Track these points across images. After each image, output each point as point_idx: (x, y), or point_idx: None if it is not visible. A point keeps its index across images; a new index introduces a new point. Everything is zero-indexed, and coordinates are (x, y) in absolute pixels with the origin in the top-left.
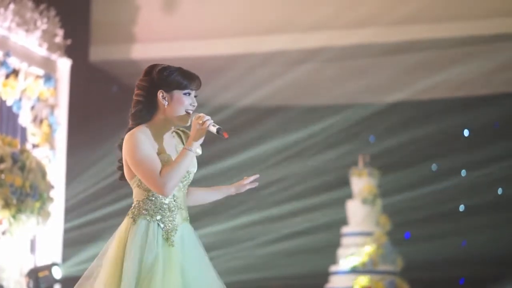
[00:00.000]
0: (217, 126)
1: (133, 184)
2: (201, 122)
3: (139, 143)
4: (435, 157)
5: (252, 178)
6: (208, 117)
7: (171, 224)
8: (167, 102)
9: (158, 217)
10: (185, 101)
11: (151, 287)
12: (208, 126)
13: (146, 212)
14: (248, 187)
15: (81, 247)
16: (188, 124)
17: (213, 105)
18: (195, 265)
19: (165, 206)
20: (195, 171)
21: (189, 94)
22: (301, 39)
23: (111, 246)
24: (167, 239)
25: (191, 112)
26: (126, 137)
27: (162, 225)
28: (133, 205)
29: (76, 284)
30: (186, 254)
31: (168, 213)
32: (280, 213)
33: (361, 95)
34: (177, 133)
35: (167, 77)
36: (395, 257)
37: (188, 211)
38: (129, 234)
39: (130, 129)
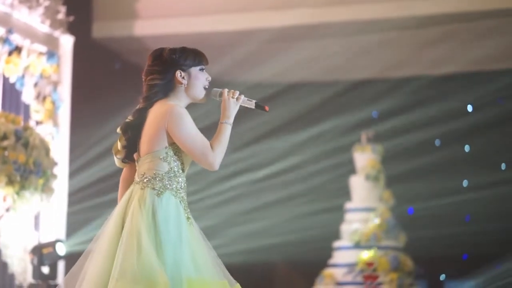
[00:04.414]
0: (254, 100)
1: (156, 156)
2: (235, 97)
3: (187, 118)
4: (438, 132)
5: None
6: (238, 92)
7: (186, 203)
8: (186, 81)
9: (179, 194)
10: (202, 77)
11: (196, 266)
12: (243, 101)
13: (170, 187)
14: None
15: (85, 224)
16: (205, 100)
17: (216, 82)
18: (201, 245)
19: (182, 184)
20: None
21: (203, 69)
22: (306, 15)
23: (134, 217)
24: (187, 218)
25: (207, 87)
26: (167, 111)
27: (183, 204)
28: (149, 177)
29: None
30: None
31: (183, 193)
32: (285, 188)
33: (365, 71)
34: None
35: (180, 57)
36: (398, 233)
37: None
38: (158, 207)
39: (141, 110)
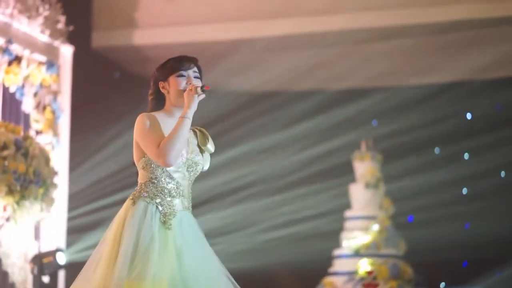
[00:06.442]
0: (200, 86)
1: (139, 166)
2: (190, 89)
3: (143, 122)
4: (438, 140)
5: None
6: (196, 84)
7: (170, 208)
8: (167, 91)
9: (158, 200)
10: (181, 82)
11: (147, 268)
12: (197, 91)
13: (146, 195)
14: None
15: (85, 233)
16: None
17: (216, 90)
18: (193, 250)
19: (166, 190)
20: (205, 167)
21: (183, 75)
22: (304, 23)
23: (110, 228)
24: (164, 222)
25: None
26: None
27: (160, 208)
28: (136, 188)
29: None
30: (185, 239)
31: (168, 198)
32: (284, 197)
33: (364, 80)
34: (194, 131)
35: (161, 69)
36: (398, 241)
37: (192, 202)
38: (128, 215)
39: None
